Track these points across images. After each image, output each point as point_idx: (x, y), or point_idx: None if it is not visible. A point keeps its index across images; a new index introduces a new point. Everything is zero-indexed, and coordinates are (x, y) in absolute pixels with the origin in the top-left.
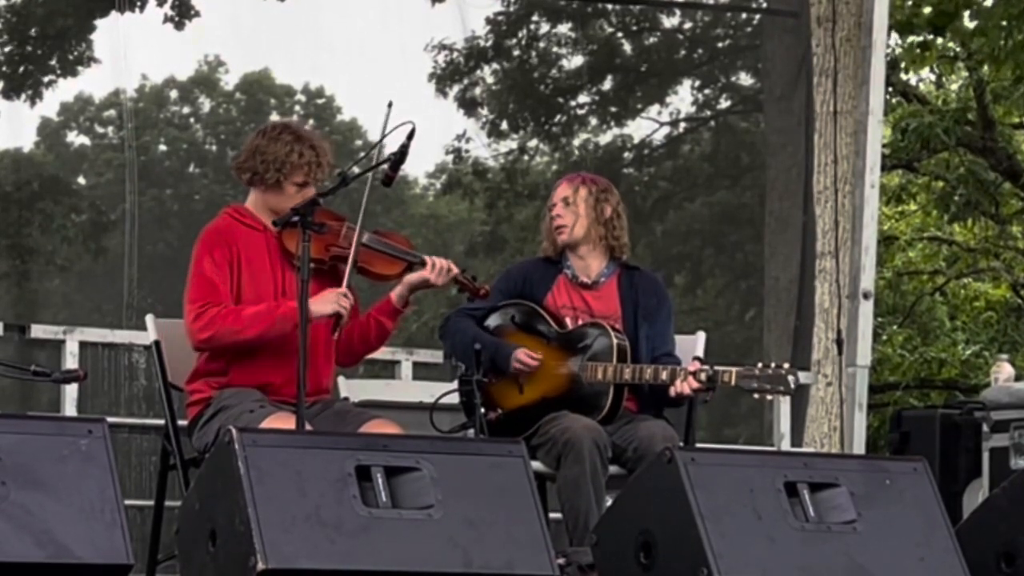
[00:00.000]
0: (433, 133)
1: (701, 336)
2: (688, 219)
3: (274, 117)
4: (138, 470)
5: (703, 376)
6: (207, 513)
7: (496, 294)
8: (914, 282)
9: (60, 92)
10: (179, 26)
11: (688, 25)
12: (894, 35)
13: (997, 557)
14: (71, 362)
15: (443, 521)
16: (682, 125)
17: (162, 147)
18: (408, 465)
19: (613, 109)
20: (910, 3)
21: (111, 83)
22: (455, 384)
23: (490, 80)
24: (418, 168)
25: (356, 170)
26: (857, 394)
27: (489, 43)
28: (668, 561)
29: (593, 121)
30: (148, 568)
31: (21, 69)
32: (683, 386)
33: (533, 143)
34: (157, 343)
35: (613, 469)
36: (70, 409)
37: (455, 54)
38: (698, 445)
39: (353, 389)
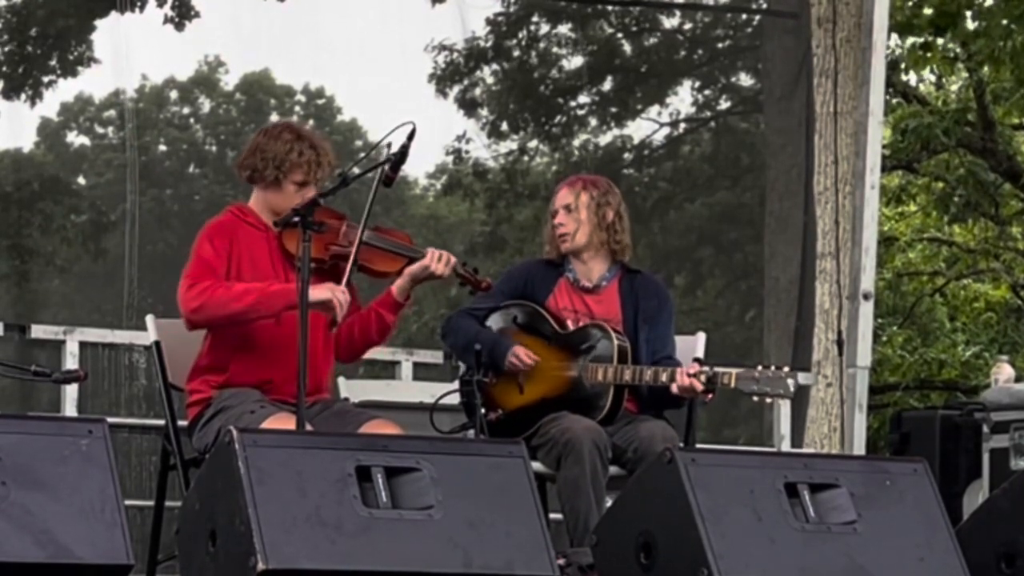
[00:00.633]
0: (433, 134)
1: (701, 337)
2: (688, 220)
3: (274, 117)
4: (138, 470)
5: (703, 377)
6: (207, 513)
7: (498, 295)
8: (914, 283)
9: (60, 92)
10: (179, 26)
11: (688, 26)
12: (894, 36)
13: (997, 558)
14: (71, 362)
15: (443, 522)
16: (682, 126)
17: (162, 147)
18: (408, 465)
19: (613, 110)
20: (911, 4)
21: (111, 83)
22: (455, 384)
23: (490, 81)
24: (418, 169)
25: (356, 171)
26: (857, 395)
27: (489, 44)
28: (668, 562)
29: (593, 122)
30: (148, 568)
31: (21, 69)
32: (685, 379)
33: (533, 144)
34: (157, 343)
35: (613, 470)
36: (70, 409)
37: (455, 55)
38: (698, 446)
39: (353, 389)
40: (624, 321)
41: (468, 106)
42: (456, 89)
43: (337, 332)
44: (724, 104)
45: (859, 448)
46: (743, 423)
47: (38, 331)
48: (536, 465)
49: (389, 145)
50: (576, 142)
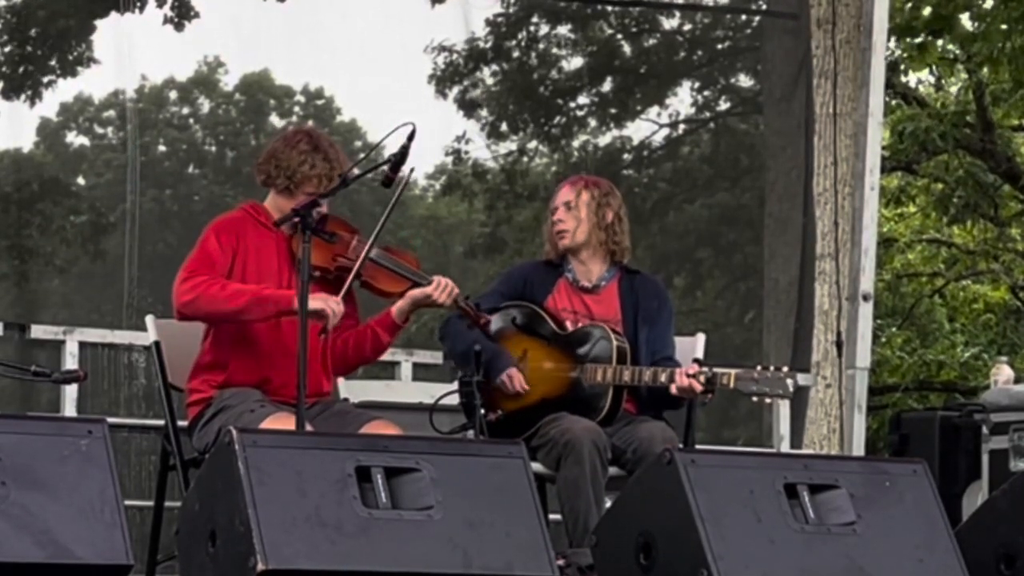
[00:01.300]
0: (433, 134)
1: (701, 338)
2: (687, 221)
3: (273, 118)
4: (137, 470)
5: (702, 378)
6: (207, 513)
7: (497, 296)
8: (913, 284)
9: (60, 92)
10: (179, 27)
11: (687, 27)
12: (892, 38)
13: (997, 559)
14: (71, 362)
15: (443, 522)
16: (681, 127)
17: (161, 148)
18: (408, 466)
19: (613, 111)
20: (909, 5)
21: (111, 84)
22: (455, 385)
23: (490, 81)
24: (418, 169)
25: (356, 171)
26: (856, 396)
27: (489, 44)
28: (668, 562)
29: (592, 123)
30: (148, 568)
31: (21, 69)
32: (684, 379)
33: (533, 144)
34: (157, 343)
35: (613, 470)
36: (70, 409)
37: (455, 55)
38: (697, 447)
39: (353, 390)
40: (624, 321)
41: (468, 107)
42: (456, 90)
43: (331, 345)
44: (723, 105)
45: (858, 449)
46: (742, 424)
47: (38, 331)
48: (536, 466)
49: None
50: (576, 143)
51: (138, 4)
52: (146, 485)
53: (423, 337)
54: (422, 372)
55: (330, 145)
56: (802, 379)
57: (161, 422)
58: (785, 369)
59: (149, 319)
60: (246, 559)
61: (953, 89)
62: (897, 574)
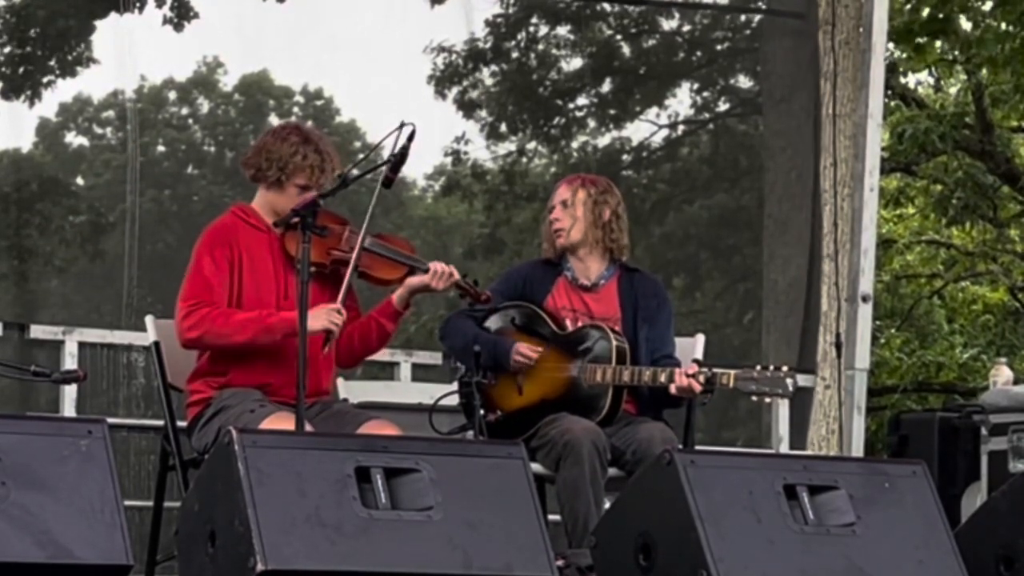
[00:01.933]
0: (432, 135)
1: (700, 338)
2: (686, 222)
3: (273, 118)
4: (136, 470)
5: (702, 378)
6: (207, 514)
7: (496, 296)
8: (912, 285)
9: (59, 93)
10: (178, 27)
11: (687, 27)
12: (891, 41)
13: (996, 560)
14: (70, 362)
15: (442, 523)
16: (681, 128)
17: (160, 148)
18: (408, 466)
19: (612, 111)
20: (908, 7)
21: (110, 84)
22: (454, 386)
23: (489, 82)
24: (417, 170)
25: (356, 172)
26: (856, 397)
27: (488, 45)
28: (667, 563)
29: (592, 123)
30: (147, 569)
31: (20, 70)
32: (684, 379)
33: (532, 145)
34: (157, 344)
35: (612, 471)
36: (69, 409)
37: (454, 56)
38: (697, 447)
39: (352, 390)
40: (623, 320)
41: (467, 107)
42: (455, 90)
43: (337, 339)
44: (723, 106)
45: (857, 450)
46: (742, 425)
47: (37, 331)
48: (535, 466)
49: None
50: (575, 144)
51: (137, 4)
52: (145, 485)
53: (422, 338)
54: (421, 373)
55: (320, 138)
56: (803, 380)
57: (160, 422)
58: (785, 369)
59: (148, 319)
60: (246, 559)
61: (952, 90)
62: (896, 575)
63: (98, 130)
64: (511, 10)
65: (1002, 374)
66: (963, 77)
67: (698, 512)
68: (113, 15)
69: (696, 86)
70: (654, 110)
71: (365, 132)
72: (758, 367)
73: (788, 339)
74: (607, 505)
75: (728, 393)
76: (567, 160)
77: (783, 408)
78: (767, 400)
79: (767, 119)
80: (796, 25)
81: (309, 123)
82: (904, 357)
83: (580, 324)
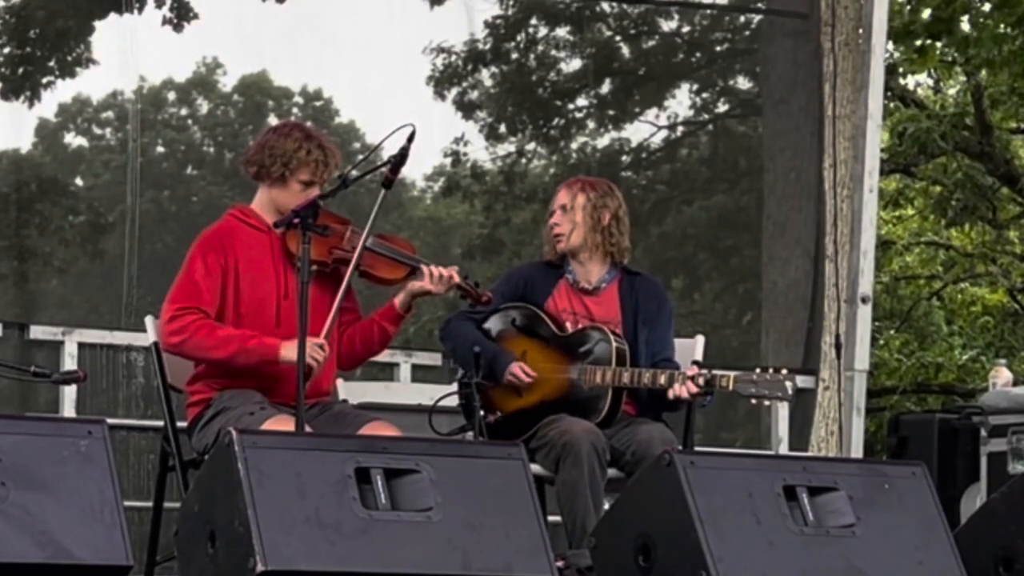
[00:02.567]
0: (432, 136)
1: (699, 339)
2: (685, 223)
3: (272, 119)
4: (136, 470)
5: (701, 380)
6: (207, 514)
7: (497, 297)
8: (911, 286)
9: (58, 93)
10: (178, 28)
11: (686, 29)
12: (891, 42)
13: (996, 561)
14: (70, 363)
15: (442, 523)
16: (680, 129)
17: (160, 148)
18: (407, 467)
19: (611, 112)
20: (908, 8)
21: (109, 84)
22: (454, 387)
23: (488, 83)
24: (416, 171)
25: (356, 173)
26: (855, 398)
27: (488, 46)
28: (667, 564)
29: (591, 124)
30: (146, 569)
31: (20, 70)
32: (681, 389)
33: (531, 146)
34: (156, 344)
35: (611, 472)
36: (69, 410)
37: (453, 57)
38: (696, 448)
39: (352, 391)
40: (623, 323)
41: (466, 108)
42: (454, 91)
43: (339, 341)
44: (722, 107)
45: (857, 451)
46: (740, 426)
47: (37, 331)
48: (535, 467)
49: (384, 138)
50: (574, 145)
51: (137, 5)
52: (145, 485)
53: (422, 338)
54: (421, 373)
55: (321, 135)
56: (804, 381)
57: (160, 423)
58: (784, 372)
59: (148, 320)
60: (245, 560)
61: (951, 91)
62: None
63: (97, 131)
64: (511, 11)
65: (1001, 375)
66: (962, 79)
67: (697, 513)
68: (113, 16)
69: (695, 87)
70: (653, 111)
71: (364, 133)
72: (757, 370)
73: (787, 340)
74: (607, 506)
75: (727, 395)
76: (566, 161)
77: (783, 410)
78: (766, 403)
79: (766, 120)
80: (796, 26)
81: (308, 124)
82: (903, 358)
83: (580, 326)
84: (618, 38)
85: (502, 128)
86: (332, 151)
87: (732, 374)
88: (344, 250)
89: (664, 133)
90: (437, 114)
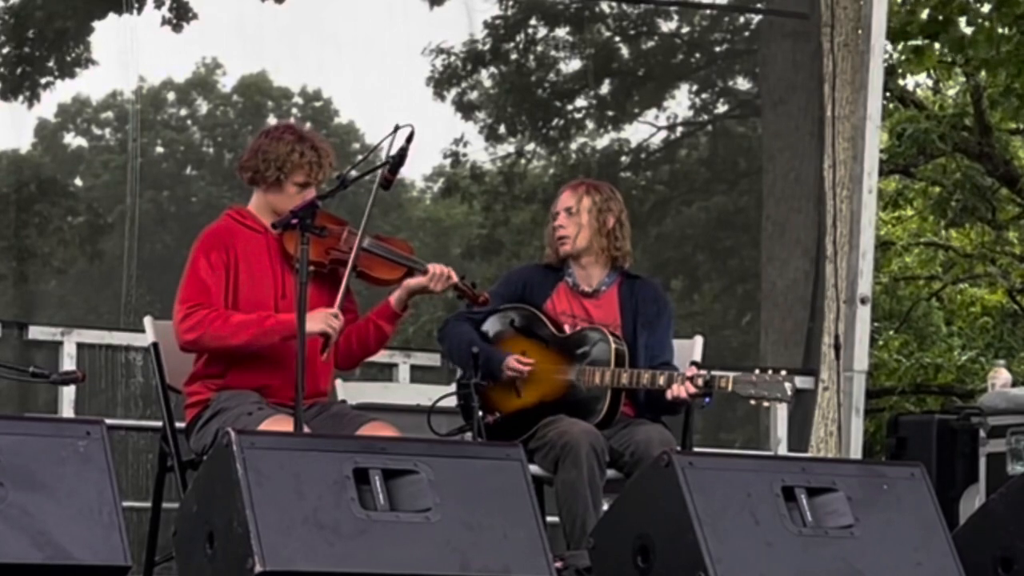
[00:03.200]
0: (431, 137)
1: (698, 340)
2: (685, 224)
3: (271, 120)
4: (135, 470)
5: (700, 381)
6: (205, 515)
7: (496, 298)
8: (910, 287)
9: (58, 93)
10: (177, 28)
11: (685, 29)
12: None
13: (995, 562)
14: (69, 363)
15: (441, 524)
16: (679, 129)
17: (159, 149)
18: (406, 468)
19: (610, 113)
20: (907, 8)
21: (109, 85)
22: (453, 387)
23: (488, 84)
24: (415, 171)
25: (355, 173)
26: (854, 399)
27: (487, 47)
28: (666, 565)
29: (590, 125)
30: (145, 570)
31: (19, 70)
32: (680, 390)
33: (530, 147)
34: (155, 345)
35: (610, 473)
36: (67, 410)
37: (453, 57)
38: (695, 449)
39: (350, 392)
40: (623, 326)
41: (466, 109)
42: (454, 92)
43: (336, 342)
44: (721, 108)
45: (856, 452)
46: (739, 427)
47: (36, 332)
48: (533, 468)
49: (382, 139)
50: (573, 145)
51: (136, 5)
52: (143, 486)
53: (421, 339)
54: (420, 374)
55: (314, 135)
56: (805, 382)
57: (159, 423)
58: (783, 372)
59: (147, 320)
60: (244, 560)
61: (951, 92)
62: None
63: (97, 131)
64: (510, 11)
65: (1000, 376)
66: (962, 79)
67: (696, 514)
68: (112, 16)
69: (695, 88)
70: (653, 112)
71: (364, 133)
72: (756, 371)
73: (786, 341)
74: (605, 507)
75: (726, 396)
76: (566, 162)
77: (782, 410)
78: (765, 404)
79: (765, 121)
80: (795, 26)
81: (308, 124)
82: (902, 359)
83: (579, 327)
84: (617, 39)
85: (501, 129)
86: (325, 151)
87: (731, 375)
88: (341, 251)
89: (663, 134)
90: (436, 115)
